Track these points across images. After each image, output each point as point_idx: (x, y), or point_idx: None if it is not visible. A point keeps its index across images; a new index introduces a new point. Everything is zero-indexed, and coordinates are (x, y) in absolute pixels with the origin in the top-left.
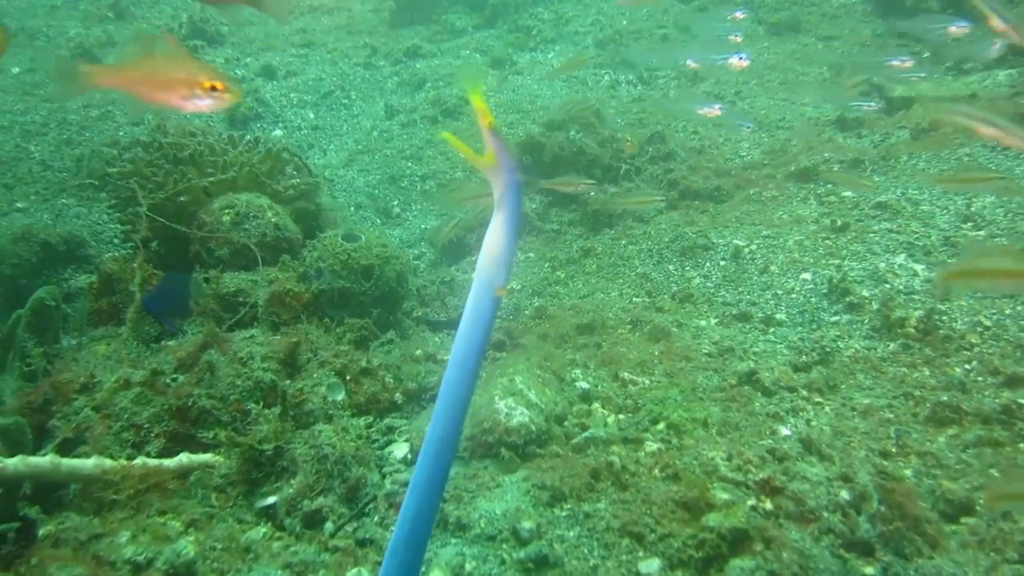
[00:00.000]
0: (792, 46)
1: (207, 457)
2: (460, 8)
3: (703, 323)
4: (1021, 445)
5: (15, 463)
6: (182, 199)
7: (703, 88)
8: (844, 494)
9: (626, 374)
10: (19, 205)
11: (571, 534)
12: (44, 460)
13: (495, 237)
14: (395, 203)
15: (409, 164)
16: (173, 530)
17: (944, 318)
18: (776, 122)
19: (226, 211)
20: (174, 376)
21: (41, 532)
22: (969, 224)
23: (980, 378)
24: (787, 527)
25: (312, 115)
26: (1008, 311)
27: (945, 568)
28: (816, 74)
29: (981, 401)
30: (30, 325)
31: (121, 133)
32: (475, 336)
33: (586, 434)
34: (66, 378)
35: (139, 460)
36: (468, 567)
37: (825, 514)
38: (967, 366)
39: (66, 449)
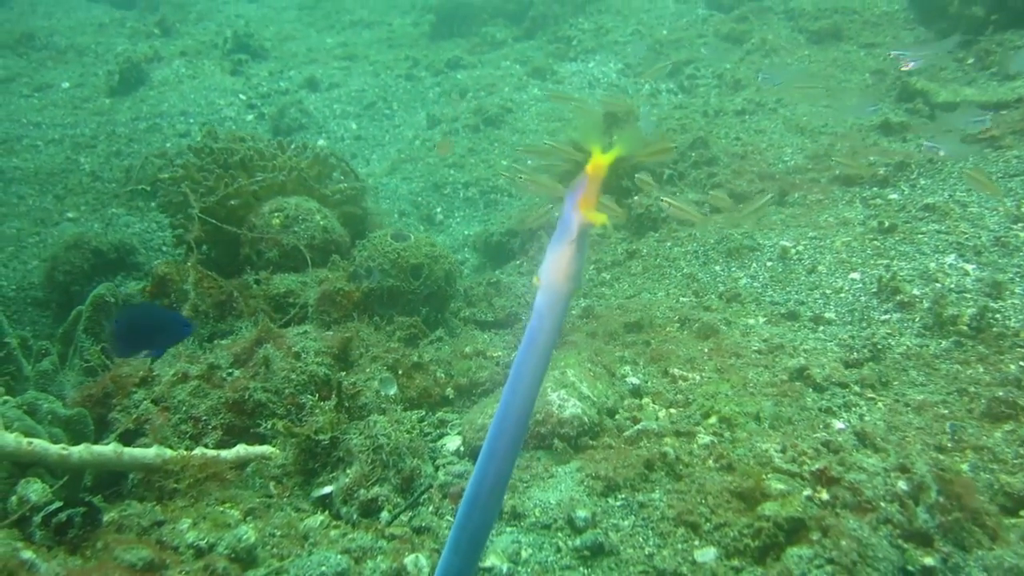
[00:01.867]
0: (834, 53)
1: (264, 449)
2: (500, 20)
3: (751, 321)
4: None
5: (80, 451)
6: (232, 203)
7: (744, 95)
8: (902, 484)
9: (676, 370)
10: (70, 215)
11: (626, 523)
12: (107, 449)
13: (573, 255)
14: (438, 210)
15: (451, 172)
16: (232, 518)
17: (997, 316)
18: (819, 128)
19: (275, 214)
20: (230, 370)
21: (105, 518)
22: (1020, 225)
23: None
24: (844, 516)
25: (355, 125)
26: None
27: (1007, 558)
28: (859, 80)
29: None
30: (91, 320)
31: (169, 144)
32: (549, 343)
33: (638, 427)
34: (125, 372)
35: (198, 451)
36: (524, 554)
37: (883, 504)
38: (1022, 363)
39: (126, 440)
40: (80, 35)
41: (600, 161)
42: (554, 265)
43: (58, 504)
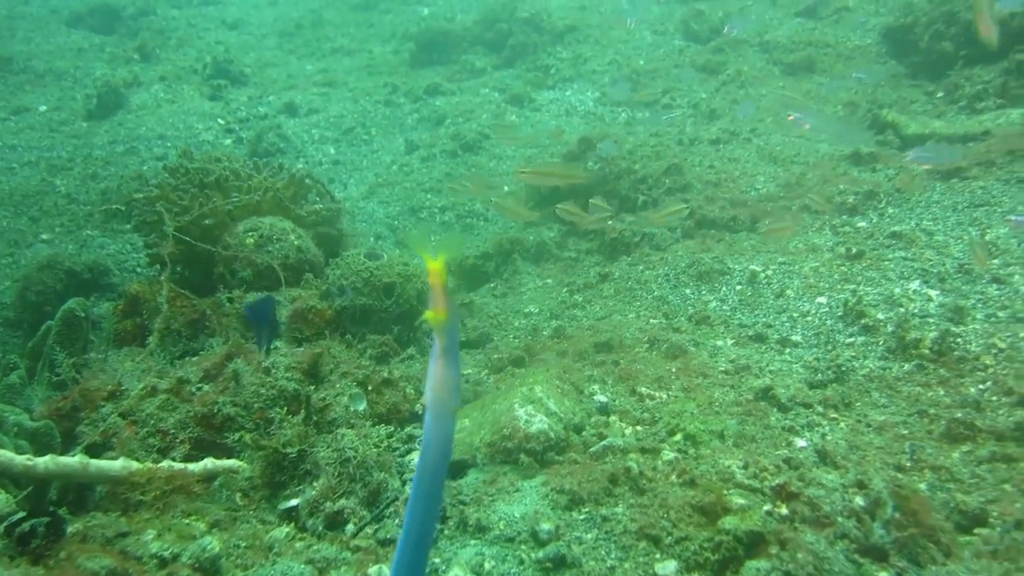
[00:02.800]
0: (807, 85)
1: (232, 462)
2: (480, 49)
3: (720, 343)
4: None
5: (45, 462)
6: (207, 222)
7: (719, 125)
8: (859, 500)
9: (643, 389)
10: (44, 237)
11: (589, 536)
12: (73, 460)
13: (445, 370)
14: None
15: (428, 196)
16: (198, 530)
17: (959, 340)
18: (791, 157)
19: (250, 233)
20: (199, 385)
21: (69, 529)
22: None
23: (994, 398)
24: (802, 530)
25: (333, 150)
26: (1023, 334)
27: (959, 574)
28: (831, 112)
29: (995, 419)
30: (60, 335)
31: (146, 167)
32: (441, 452)
33: (604, 443)
34: (94, 386)
35: (165, 463)
36: (487, 566)
37: (840, 519)
38: (981, 386)
39: (93, 453)
40: (59, 59)
41: (435, 268)
42: (431, 384)
43: (22, 514)
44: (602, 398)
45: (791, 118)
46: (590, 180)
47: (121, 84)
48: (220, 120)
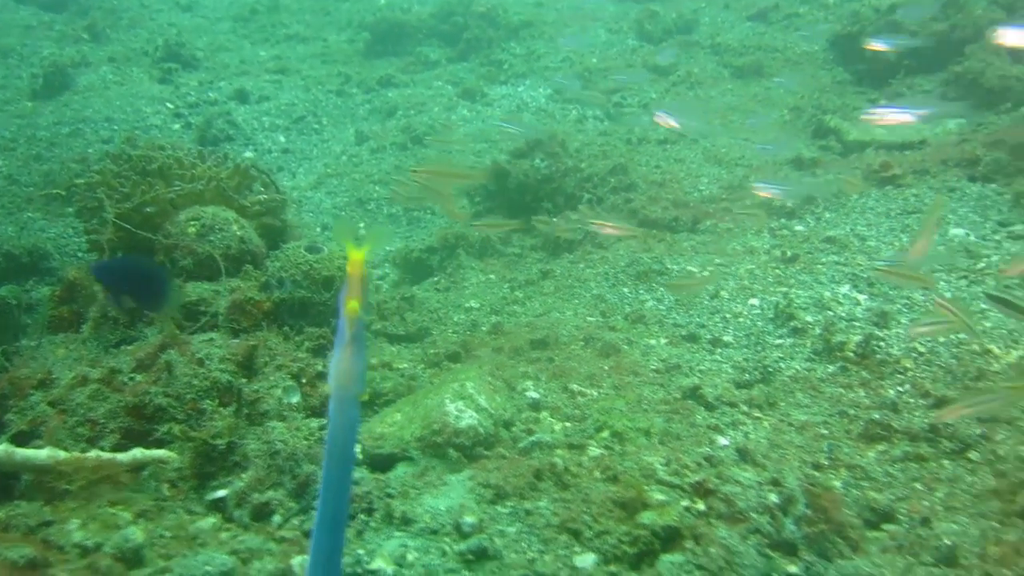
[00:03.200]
0: (755, 89)
1: (161, 453)
2: (435, 41)
3: (653, 342)
4: (944, 461)
5: None
6: (148, 210)
7: None
8: (773, 497)
9: (575, 386)
10: None
11: (512, 529)
12: None
13: (352, 357)
14: (361, 225)
15: (377, 188)
16: (123, 520)
17: (882, 343)
18: (736, 159)
19: (192, 223)
20: (132, 375)
21: None
22: None
23: (911, 399)
24: (717, 526)
25: (283, 138)
26: (942, 339)
27: (863, 568)
28: (777, 116)
29: (911, 420)
30: None
31: (91, 150)
32: (347, 439)
33: (532, 438)
34: (23, 374)
35: (92, 453)
36: (410, 557)
37: (754, 515)
38: (900, 388)
39: (21, 442)
40: (5, 36)
41: (355, 258)
42: (336, 371)
43: None
44: (534, 394)
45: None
46: (538, 178)
47: (69, 64)
48: (169, 104)
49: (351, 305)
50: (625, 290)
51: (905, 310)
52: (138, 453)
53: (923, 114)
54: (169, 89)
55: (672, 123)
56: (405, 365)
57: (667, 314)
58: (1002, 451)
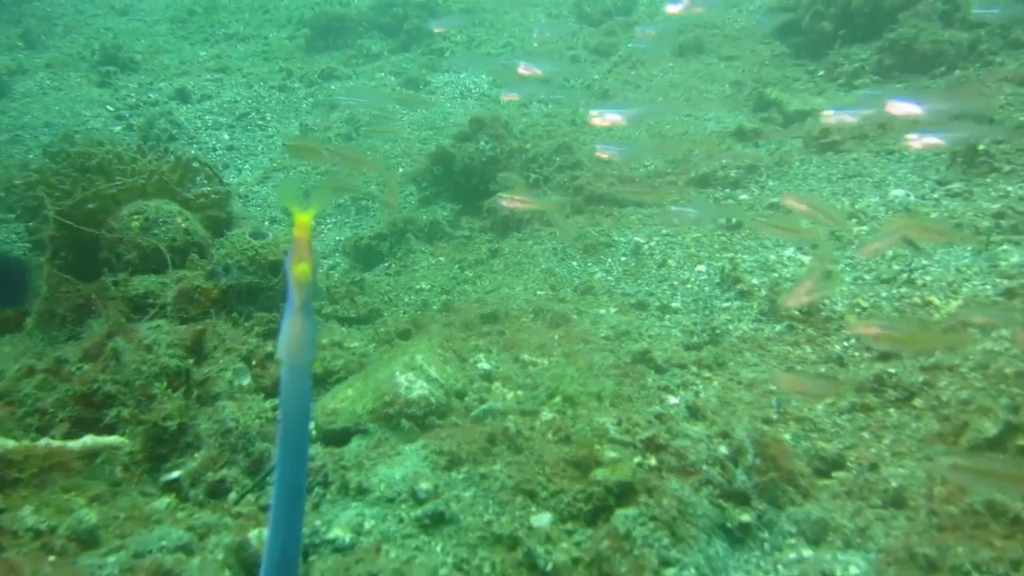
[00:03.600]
0: (696, 65)
1: (112, 439)
2: (375, 33)
3: (603, 311)
4: (890, 410)
5: None
6: (90, 206)
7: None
8: (723, 449)
9: (526, 356)
10: None
11: (467, 494)
12: None
13: (302, 323)
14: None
15: (323, 179)
16: (77, 505)
17: (826, 301)
18: (680, 135)
19: (135, 217)
20: (79, 365)
21: None
22: (854, 220)
23: (857, 353)
24: (669, 479)
25: (227, 136)
26: (884, 294)
27: (814, 512)
28: (718, 91)
29: (856, 373)
30: None
31: (31, 156)
32: (301, 406)
33: (484, 406)
34: None
35: (43, 441)
36: (367, 525)
37: (705, 467)
38: (845, 343)
39: None
40: None
41: (302, 220)
42: (286, 338)
43: None
44: (486, 366)
45: None
46: (484, 160)
47: (4, 72)
48: (109, 107)
49: (300, 268)
50: (574, 263)
51: (848, 269)
52: (88, 440)
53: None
54: (109, 92)
55: (612, 152)
56: (356, 344)
57: (616, 284)
58: (945, 396)
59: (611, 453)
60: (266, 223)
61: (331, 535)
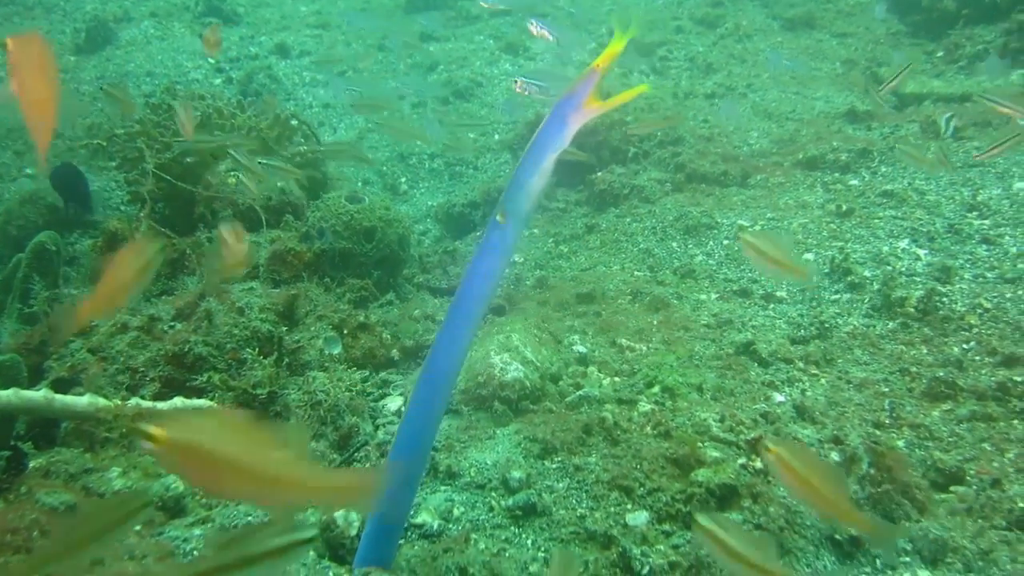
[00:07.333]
0: (806, 41)
1: (201, 402)
2: None
3: (703, 297)
4: (1015, 421)
5: (8, 395)
6: (188, 160)
7: (715, 79)
8: (834, 455)
9: (624, 340)
10: (28, 171)
11: (560, 485)
12: (37, 394)
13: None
14: (403, 180)
15: (418, 143)
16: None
17: (944, 299)
18: (786, 113)
19: (232, 173)
20: (172, 323)
21: (32, 464)
22: (974, 213)
23: (977, 357)
24: (776, 484)
25: (324, 93)
26: (1009, 295)
27: (932, 530)
28: (829, 69)
29: (977, 379)
30: (30, 268)
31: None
32: (496, 270)
33: (580, 392)
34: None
35: (133, 401)
36: (456, 512)
37: None
38: (965, 345)
39: (61, 389)
40: None
41: (612, 50)
42: (524, 187)
43: None
44: (581, 348)
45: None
46: (583, 131)
47: (111, 19)
48: (210, 59)
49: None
50: (674, 244)
51: (968, 265)
52: (179, 402)
53: None
54: None
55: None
56: None
57: (717, 269)
58: None
59: (714, 453)
60: (359, 184)
61: (419, 520)
